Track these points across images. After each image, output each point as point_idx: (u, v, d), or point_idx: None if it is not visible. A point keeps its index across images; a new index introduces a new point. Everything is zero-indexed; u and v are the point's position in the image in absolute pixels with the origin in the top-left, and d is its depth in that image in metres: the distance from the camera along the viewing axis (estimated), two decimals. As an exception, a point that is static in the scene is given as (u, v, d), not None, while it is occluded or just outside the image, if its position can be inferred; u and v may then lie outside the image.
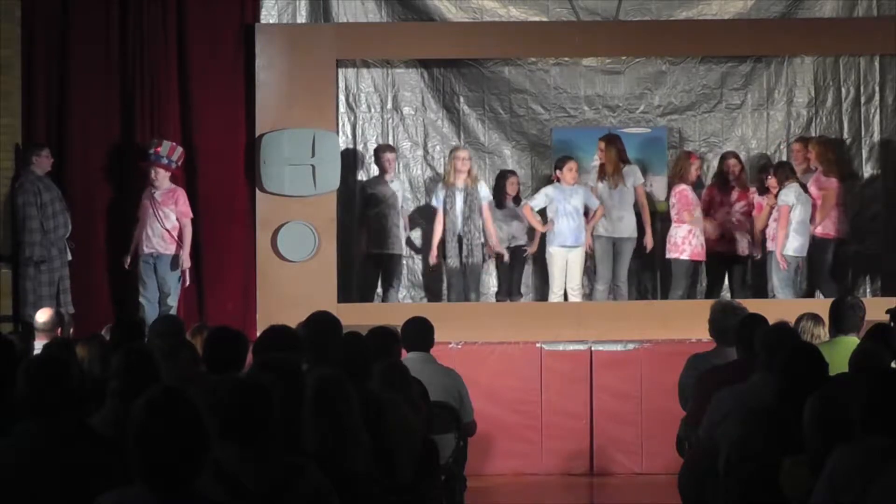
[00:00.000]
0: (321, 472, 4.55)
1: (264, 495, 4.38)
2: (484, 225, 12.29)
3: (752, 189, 12.51)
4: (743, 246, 12.47)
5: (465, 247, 12.23)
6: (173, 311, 11.45)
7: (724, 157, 12.58)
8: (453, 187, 12.21)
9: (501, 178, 12.73)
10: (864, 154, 13.00)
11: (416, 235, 13.10)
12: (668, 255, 12.37)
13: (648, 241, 12.40)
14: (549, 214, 12.19)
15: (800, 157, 12.51)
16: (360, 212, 12.66)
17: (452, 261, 12.23)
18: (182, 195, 11.83)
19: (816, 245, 12.12)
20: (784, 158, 12.78)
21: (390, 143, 13.00)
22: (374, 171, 12.80)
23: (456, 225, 12.20)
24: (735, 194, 12.47)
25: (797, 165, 12.40)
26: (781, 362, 5.83)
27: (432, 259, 12.41)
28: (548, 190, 12.26)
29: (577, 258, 12.16)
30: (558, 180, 12.19)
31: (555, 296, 12.17)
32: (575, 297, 12.12)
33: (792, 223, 11.90)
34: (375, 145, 12.92)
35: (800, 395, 5.36)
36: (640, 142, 12.97)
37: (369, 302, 12.47)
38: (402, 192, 12.84)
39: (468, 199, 12.21)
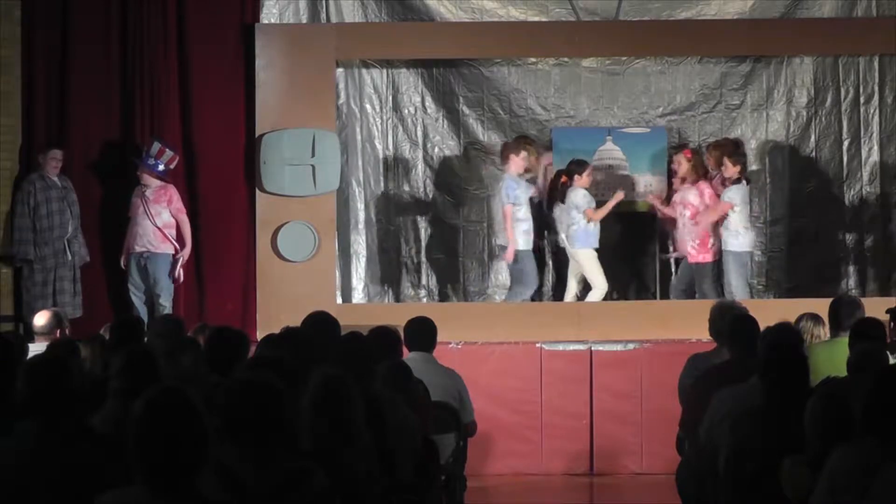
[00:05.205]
0: (326, 478, 4.55)
1: (264, 495, 4.38)
2: None
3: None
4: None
5: None
6: (168, 310, 11.43)
7: None
8: None
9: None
10: (864, 154, 12.99)
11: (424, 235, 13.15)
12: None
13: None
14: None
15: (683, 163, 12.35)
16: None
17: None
18: (175, 193, 11.79)
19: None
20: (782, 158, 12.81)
21: (389, 143, 13.00)
22: (371, 171, 12.87)
23: None
24: None
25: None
26: (760, 361, 5.90)
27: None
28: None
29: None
30: (571, 183, 12.14)
31: (601, 292, 12.08)
32: (592, 297, 12.11)
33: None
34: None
35: (790, 395, 5.37)
36: (640, 142, 12.96)
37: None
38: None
39: None
